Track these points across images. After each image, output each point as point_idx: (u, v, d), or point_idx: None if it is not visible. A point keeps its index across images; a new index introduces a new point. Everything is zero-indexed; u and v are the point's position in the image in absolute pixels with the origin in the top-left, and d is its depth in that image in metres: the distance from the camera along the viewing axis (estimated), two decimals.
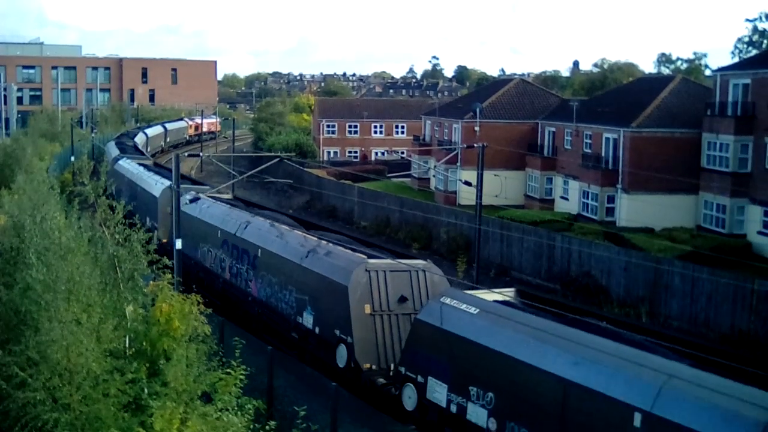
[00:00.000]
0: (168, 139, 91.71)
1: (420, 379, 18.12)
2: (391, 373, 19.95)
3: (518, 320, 16.50)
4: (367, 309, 20.79)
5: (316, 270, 22.70)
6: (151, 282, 16.25)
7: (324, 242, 24.15)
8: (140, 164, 46.66)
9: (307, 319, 23.02)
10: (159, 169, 45.62)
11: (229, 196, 36.85)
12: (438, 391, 17.61)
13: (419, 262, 22.49)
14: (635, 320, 27.27)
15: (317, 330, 22.49)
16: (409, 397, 18.47)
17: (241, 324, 24.89)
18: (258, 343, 20.58)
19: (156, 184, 38.20)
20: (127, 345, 14.69)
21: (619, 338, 15.16)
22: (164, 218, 34.28)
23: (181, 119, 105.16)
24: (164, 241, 31.21)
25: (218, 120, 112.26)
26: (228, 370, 13.88)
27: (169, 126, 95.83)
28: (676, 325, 29.09)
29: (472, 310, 17.42)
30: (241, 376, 13.76)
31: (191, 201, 28.59)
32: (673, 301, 29.92)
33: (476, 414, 16.40)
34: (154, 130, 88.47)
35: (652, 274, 30.80)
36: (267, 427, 13.82)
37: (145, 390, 13.62)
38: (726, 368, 13.13)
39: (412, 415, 18.46)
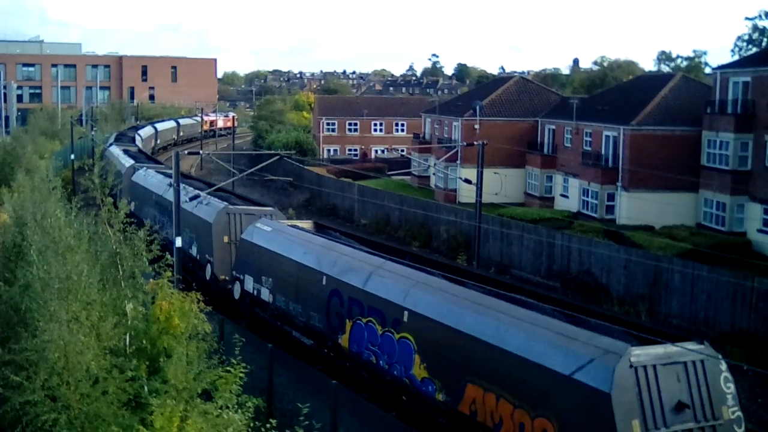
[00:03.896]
0: (181, 134, 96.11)
1: (242, 277, 26.65)
2: None
3: (289, 233, 25.27)
4: (225, 239, 29.33)
5: (199, 214, 31.10)
6: (151, 280, 16.26)
7: (210, 196, 31.89)
8: (123, 150, 54.82)
9: (194, 250, 31.70)
10: (137, 154, 53.75)
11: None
12: (249, 283, 26.12)
13: (269, 209, 30.91)
14: (635, 318, 27.21)
15: (198, 257, 31.22)
16: (237, 291, 26.99)
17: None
18: (258, 341, 20.70)
19: (125, 163, 48.01)
20: (127, 343, 14.70)
21: (333, 238, 24.37)
22: (126, 189, 42.74)
23: (196, 115, 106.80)
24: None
25: (235, 116, 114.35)
26: (228, 368, 13.87)
27: (182, 121, 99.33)
28: (675, 323, 29.07)
29: (269, 229, 25.94)
30: (241, 374, 13.75)
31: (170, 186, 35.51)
32: (673, 299, 29.90)
33: (265, 293, 25.19)
34: (165, 125, 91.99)
35: (652, 272, 30.78)
36: (267, 425, 13.83)
37: (145, 388, 13.63)
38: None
39: (239, 302, 26.85)
